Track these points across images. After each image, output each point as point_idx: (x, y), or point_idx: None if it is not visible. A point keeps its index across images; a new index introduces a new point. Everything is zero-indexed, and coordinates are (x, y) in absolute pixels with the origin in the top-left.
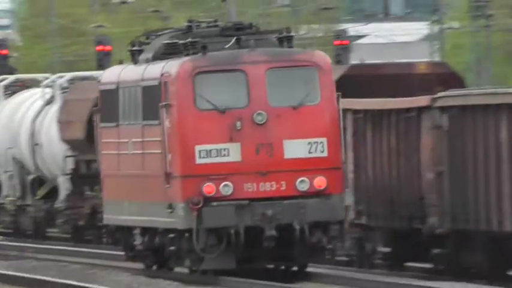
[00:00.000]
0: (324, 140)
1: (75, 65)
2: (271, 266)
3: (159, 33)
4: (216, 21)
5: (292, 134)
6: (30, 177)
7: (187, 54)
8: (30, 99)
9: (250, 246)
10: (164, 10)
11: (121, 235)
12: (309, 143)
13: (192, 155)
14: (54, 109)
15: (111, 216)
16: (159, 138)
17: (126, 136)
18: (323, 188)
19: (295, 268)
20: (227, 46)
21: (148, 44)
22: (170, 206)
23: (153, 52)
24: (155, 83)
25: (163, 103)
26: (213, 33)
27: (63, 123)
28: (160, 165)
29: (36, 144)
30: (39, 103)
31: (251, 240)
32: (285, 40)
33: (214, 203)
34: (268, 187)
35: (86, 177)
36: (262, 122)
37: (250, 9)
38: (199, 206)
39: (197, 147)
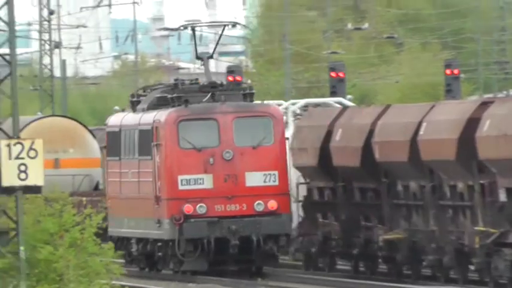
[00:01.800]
0: (276, 172)
1: (308, 92)
2: (235, 268)
3: (153, 88)
4: (197, 79)
5: (252, 167)
6: None
7: (173, 106)
8: None
9: (219, 253)
10: (398, 36)
11: (121, 244)
12: (265, 174)
13: (175, 182)
14: (287, 136)
15: (114, 229)
16: (150, 170)
17: (126, 167)
18: (275, 209)
19: (253, 269)
20: (204, 100)
21: (144, 96)
22: (158, 221)
23: (148, 103)
24: (148, 127)
25: (155, 143)
26: (193, 89)
27: (296, 150)
28: (152, 190)
29: None
30: None
31: (220, 248)
32: (248, 96)
33: (192, 220)
34: (233, 208)
35: (318, 204)
36: (229, 158)
37: (483, 36)
38: (181, 221)
39: (179, 177)
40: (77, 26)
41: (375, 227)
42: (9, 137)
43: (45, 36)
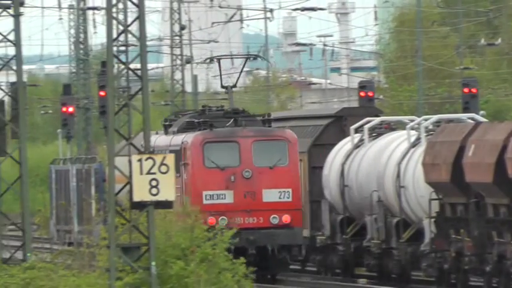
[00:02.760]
0: (290, 190)
1: (441, 107)
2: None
3: (184, 113)
4: (222, 106)
5: (268, 185)
6: (395, 220)
7: (199, 129)
8: (396, 142)
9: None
10: None
11: None
12: (280, 191)
13: (200, 197)
14: (419, 151)
15: None
16: (179, 186)
17: None
18: (288, 222)
19: (269, 276)
20: (227, 124)
21: (175, 120)
22: None
23: (178, 127)
24: (178, 148)
25: (183, 162)
26: (218, 115)
27: (428, 165)
28: (180, 203)
29: (402, 187)
30: (405, 145)
31: (239, 256)
32: (266, 121)
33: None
34: (251, 220)
35: (451, 220)
36: (248, 177)
37: None
38: None
39: (204, 193)
40: (209, 41)
41: (508, 243)
42: (141, 152)
43: (177, 51)
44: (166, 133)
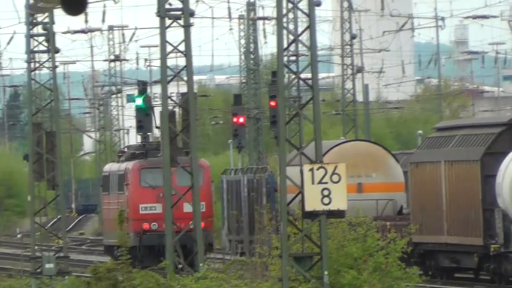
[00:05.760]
0: (204, 203)
1: None
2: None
3: (132, 146)
4: (158, 142)
5: (188, 199)
6: None
7: (138, 158)
8: None
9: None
10: None
11: (111, 251)
12: None
13: (137, 208)
14: None
15: (107, 240)
16: (123, 200)
17: (112, 199)
18: (202, 227)
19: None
20: (159, 155)
21: (125, 152)
22: (128, 234)
23: (125, 156)
24: (122, 172)
25: (125, 183)
26: (153, 147)
27: None
28: (124, 213)
29: None
30: None
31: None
32: (187, 153)
33: (148, 233)
34: (175, 226)
35: None
36: (173, 193)
37: None
38: (141, 234)
39: (140, 205)
40: (380, 50)
41: None
42: (312, 162)
43: (348, 61)
44: (118, 161)
